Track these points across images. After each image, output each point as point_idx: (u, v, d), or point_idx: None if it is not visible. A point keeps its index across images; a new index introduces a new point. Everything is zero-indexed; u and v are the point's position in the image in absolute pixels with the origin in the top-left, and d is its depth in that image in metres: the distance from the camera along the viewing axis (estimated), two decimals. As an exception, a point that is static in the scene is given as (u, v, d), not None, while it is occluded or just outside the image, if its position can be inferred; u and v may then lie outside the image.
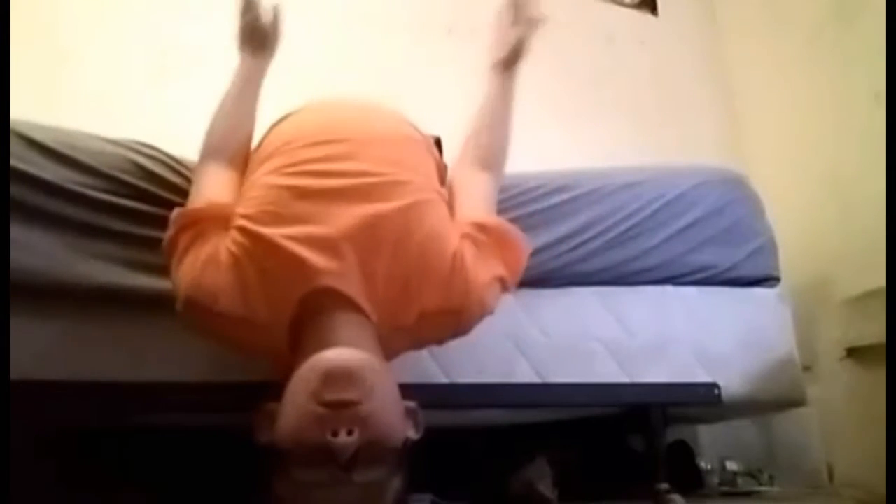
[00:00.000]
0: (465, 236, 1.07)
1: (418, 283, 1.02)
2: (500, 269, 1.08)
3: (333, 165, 1.07)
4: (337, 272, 0.99)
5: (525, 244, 1.12)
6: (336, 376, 0.88)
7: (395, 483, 0.90)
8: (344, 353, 0.93)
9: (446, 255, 1.03)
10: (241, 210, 1.05)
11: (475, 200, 1.17)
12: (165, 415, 1.32)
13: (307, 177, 1.06)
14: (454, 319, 1.06)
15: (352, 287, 0.99)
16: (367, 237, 1.01)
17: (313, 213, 1.02)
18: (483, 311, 1.07)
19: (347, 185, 1.05)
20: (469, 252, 1.05)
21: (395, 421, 0.92)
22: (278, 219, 1.02)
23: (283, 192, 1.05)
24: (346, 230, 1.01)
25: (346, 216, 1.02)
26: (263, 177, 1.10)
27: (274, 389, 0.94)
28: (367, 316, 1.00)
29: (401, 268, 1.02)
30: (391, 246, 1.02)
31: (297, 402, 0.89)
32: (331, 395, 0.86)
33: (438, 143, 1.44)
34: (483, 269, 1.05)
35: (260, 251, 1.00)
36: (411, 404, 0.97)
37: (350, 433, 0.84)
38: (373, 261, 1.01)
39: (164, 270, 1.13)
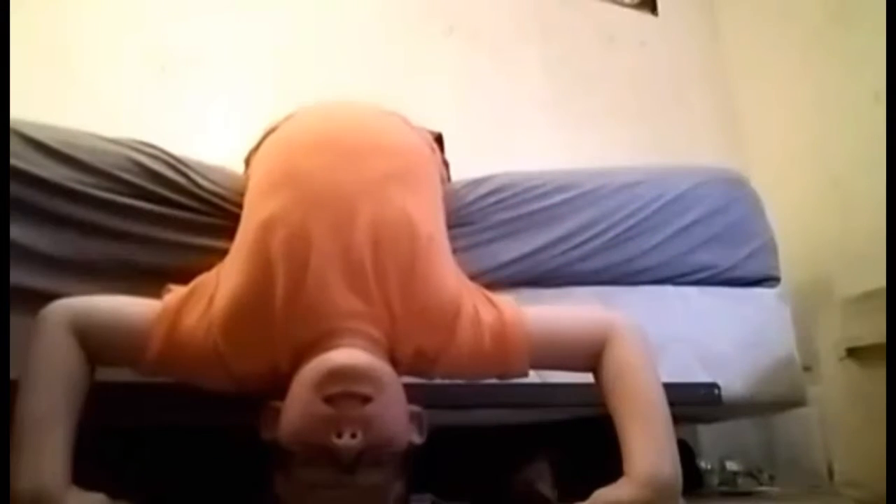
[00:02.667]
0: (479, 312, 1.04)
1: (419, 319, 1.01)
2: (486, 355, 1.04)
3: (332, 175, 1.06)
4: (360, 313, 0.98)
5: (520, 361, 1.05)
6: (342, 372, 0.88)
7: (398, 486, 0.90)
8: (351, 352, 0.92)
9: (445, 304, 1.02)
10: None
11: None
12: (165, 415, 1.32)
13: (306, 193, 1.05)
14: (428, 364, 1.05)
15: (364, 322, 0.98)
16: (373, 260, 1.00)
17: (319, 233, 1.00)
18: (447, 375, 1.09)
19: (348, 201, 1.03)
20: (467, 317, 1.02)
21: (400, 424, 0.92)
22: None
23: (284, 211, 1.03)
24: (352, 253, 1.00)
25: (348, 235, 1.01)
26: (262, 191, 1.10)
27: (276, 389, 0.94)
28: (367, 332, 0.99)
29: (405, 296, 1.01)
30: (395, 274, 1.01)
31: (301, 399, 0.89)
32: (335, 388, 0.86)
33: (440, 139, 1.44)
34: (474, 340, 1.03)
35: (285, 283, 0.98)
36: (416, 408, 0.97)
37: (354, 435, 0.84)
38: (384, 286, 1.00)
39: (164, 270, 1.13)
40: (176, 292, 1.03)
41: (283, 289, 0.97)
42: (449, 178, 1.44)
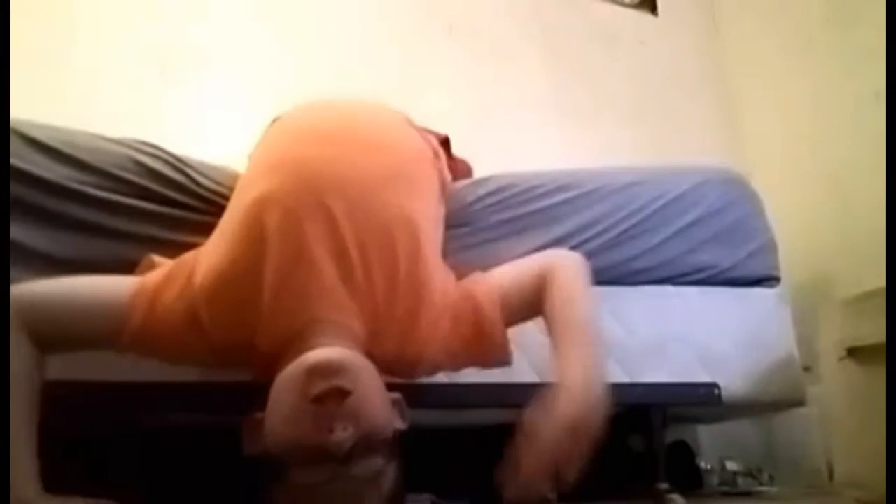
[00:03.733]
0: (458, 303, 1.08)
1: (401, 320, 1.03)
2: (463, 355, 1.11)
3: (330, 166, 1.07)
4: (346, 306, 1.00)
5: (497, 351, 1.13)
6: (322, 369, 0.89)
7: (391, 472, 0.91)
8: (326, 350, 0.93)
9: (429, 308, 1.04)
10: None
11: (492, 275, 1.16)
12: (165, 415, 1.32)
13: (302, 179, 1.05)
14: (408, 366, 1.08)
15: (349, 316, 1.00)
16: (362, 257, 1.01)
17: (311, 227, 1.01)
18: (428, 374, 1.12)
19: (343, 193, 1.04)
20: (447, 320, 1.06)
21: (385, 411, 0.93)
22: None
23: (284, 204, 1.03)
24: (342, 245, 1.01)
25: (341, 229, 1.01)
26: (257, 173, 1.11)
27: (264, 393, 0.94)
28: (350, 327, 1.00)
29: (389, 296, 1.02)
30: (382, 273, 1.02)
31: (286, 404, 0.89)
32: (320, 387, 0.86)
33: (447, 141, 1.44)
34: (448, 343, 1.07)
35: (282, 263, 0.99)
36: (396, 395, 0.98)
37: (345, 428, 0.85)
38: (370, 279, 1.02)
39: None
40: (155, 272, 1.04)
41: (274, 268, 0.99)
42: (470, 174, 1.47)
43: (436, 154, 1.29)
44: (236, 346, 1.00)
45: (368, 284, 1.01)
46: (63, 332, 0.96)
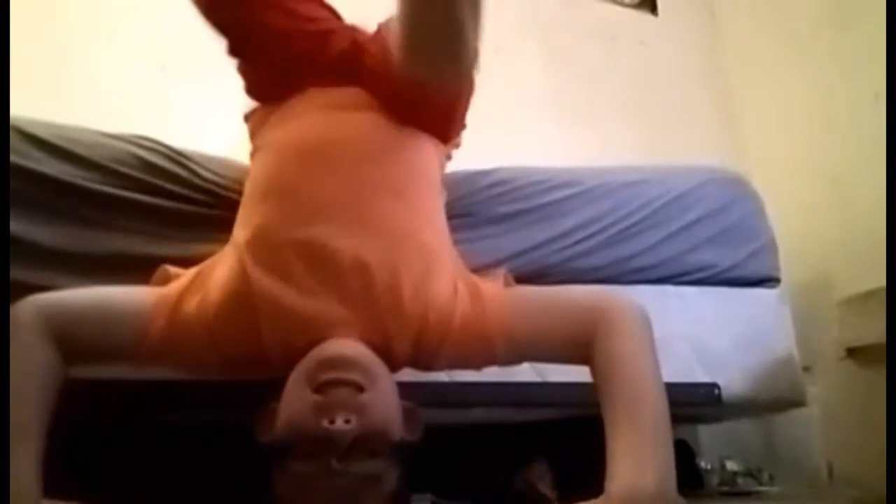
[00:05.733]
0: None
1: (410, 326, 1.00)
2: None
3: (319, 188, 1.05)
4: (349, 320, 0.98)
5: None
6: (334, 360, 0.89)
7: (393, 477, 0.90)
8: (343, 342, 0.94)
9: (438, 311, 1.01)
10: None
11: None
12: (166, 413, 1.32)
13: (293, 205, 1.04)
14: (427, 360, 1.05)
15: (355, 329, 0.98)
16: (362, 272, 1.00)
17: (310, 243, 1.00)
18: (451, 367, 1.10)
19: (334, 213, 1.03)
20: (458, 315, 1.02)
21: (393, 413, 0.92)
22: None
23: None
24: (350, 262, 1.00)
25: (334, 248, 1.00)
26: (254, 198, 1.09)
27: (276, 389, 0.94)
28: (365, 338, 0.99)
29: (395, 306, 1.00)
30: (384, 285, 1.00)
31: (295, 391, 0.89)
32: (327, 375, 0.87)
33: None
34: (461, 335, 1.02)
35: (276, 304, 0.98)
36: (409, 404, 0.97)
37: (348, 421, 0.84)
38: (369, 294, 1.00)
39: (166, 263, 1.13)
40: (178, 281, 1.03)
41: (265, 299, 0.97)
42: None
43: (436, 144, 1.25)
44: (249, 361, 1.00)
45: (370, 301, 0.99)
46: (89, 340, 0.95)
